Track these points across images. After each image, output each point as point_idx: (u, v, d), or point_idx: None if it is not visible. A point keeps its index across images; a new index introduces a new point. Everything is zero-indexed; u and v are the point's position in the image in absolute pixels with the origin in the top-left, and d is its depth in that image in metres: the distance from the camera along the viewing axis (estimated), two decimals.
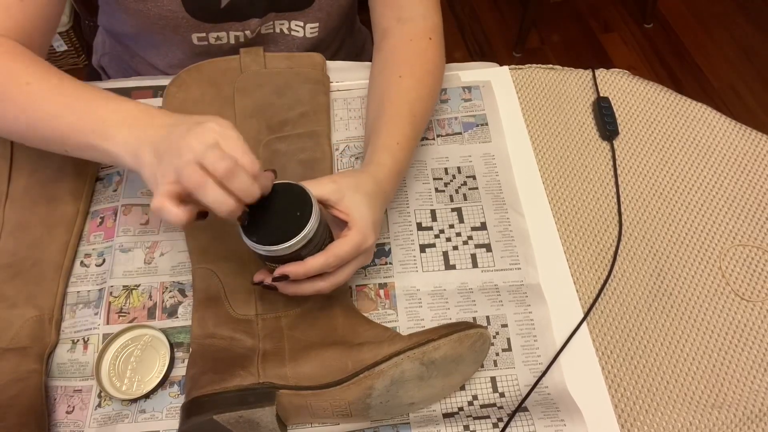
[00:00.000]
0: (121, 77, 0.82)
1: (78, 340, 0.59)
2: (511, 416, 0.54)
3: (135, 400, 0.56)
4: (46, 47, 0.65)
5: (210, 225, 0.62)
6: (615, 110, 0.75)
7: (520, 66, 0.80)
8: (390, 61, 0.68)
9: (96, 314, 0.61)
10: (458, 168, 0.70)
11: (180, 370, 0.58)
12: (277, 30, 0.77)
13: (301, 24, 0.77)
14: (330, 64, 0.77)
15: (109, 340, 0.58)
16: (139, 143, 0.49)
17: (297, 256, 0.49)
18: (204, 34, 0.74)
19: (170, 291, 0.62)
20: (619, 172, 0.71)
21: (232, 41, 0.76)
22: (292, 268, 0.50)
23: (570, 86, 0.78)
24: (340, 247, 0.51)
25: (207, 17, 0.71)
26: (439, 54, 0.69)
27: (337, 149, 0.72)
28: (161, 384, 0.57)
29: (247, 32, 0.75)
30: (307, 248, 0.49)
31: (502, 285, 0.63)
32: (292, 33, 0.78)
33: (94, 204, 0.68)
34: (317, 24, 0.77)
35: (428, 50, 0.68)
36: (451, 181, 0.69)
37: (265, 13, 0.74)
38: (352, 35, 0.93)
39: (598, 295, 0.63)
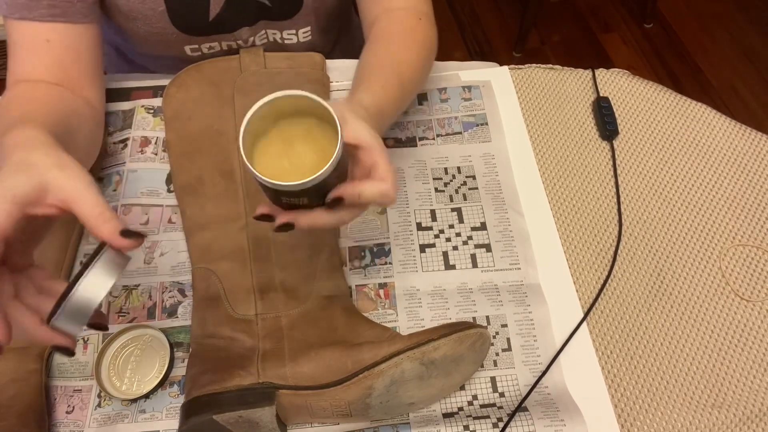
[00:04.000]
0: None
1: (78, 340, 0.59)
2: (511, 416, 0.54)
3: (135, 400, 0.56)
4: (92, 85, 0.64)
5: (210, 225, 0.62)
6: (615, 110, 0.75)
7: (520, 66, 0.80)
8: (379, 37, 0.65)
9: None
10: (458, 168, 0.70)
11: (180, 370, 0.58)
12: (270, 39, 0.78)
13: (293, 31, 0.77)
14: (330, 63, 0.77)
15: (108, 340, 0.58)
16: None
17: (324, 185, 0.44)
18: (196, 46, 0.74)
19: (170, 291, 0.62)
20: (619, 172, 0.71)
21: (225, 49, 0.76)
22: (347, 190, 0.45)
23: (570, 86, 0.78)
24: (385, 164, 0.46)
25: (196, 31, 0.72)
26: (430, 30, 0.67)
27: None
28: (161, 384, 0.56)
29: (240, 42, 0.75)
30: (337, 171, 0.44)
31: (501, 285, 0.63)
32: (286, 41, 0.78)
33: None
34: (308, 27, 0.77)
35: (418, 26, 0.66)
36: (451, 181, 0.69)
37: (254, 22, 0.74)
38: (348, 33, 0.92)
39: (598, 295, 0.63)
